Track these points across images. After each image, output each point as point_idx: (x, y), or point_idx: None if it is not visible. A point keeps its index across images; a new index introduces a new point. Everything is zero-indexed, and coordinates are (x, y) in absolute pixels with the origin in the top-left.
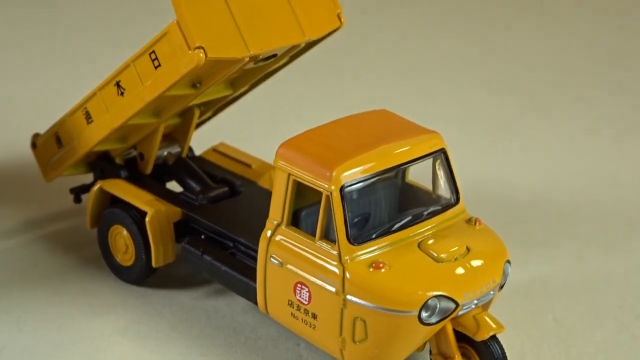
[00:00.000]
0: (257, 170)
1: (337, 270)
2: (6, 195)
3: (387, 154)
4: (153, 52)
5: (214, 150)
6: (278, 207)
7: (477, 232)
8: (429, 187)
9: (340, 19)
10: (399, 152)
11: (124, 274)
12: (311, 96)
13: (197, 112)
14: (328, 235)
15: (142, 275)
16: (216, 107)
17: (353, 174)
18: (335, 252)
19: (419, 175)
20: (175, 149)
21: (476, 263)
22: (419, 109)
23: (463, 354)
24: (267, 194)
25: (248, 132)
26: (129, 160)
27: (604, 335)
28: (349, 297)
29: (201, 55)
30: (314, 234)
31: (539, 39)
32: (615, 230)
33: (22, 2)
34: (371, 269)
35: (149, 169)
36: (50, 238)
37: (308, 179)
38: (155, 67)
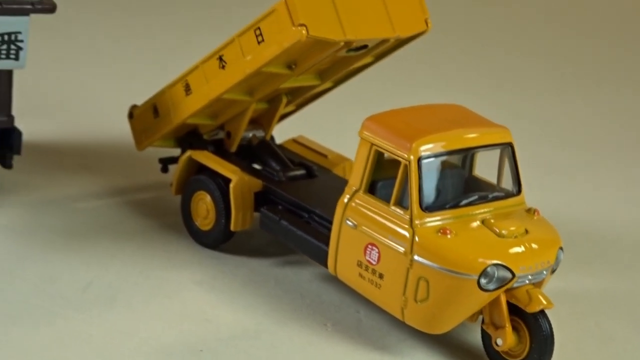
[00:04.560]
0: (333, 160)
1: (407, 233)
2: (98, 166)
3: (460, 136)
4: (258, 28)
5: (294, 140)
6: (358, 175)
7: (535, 220)
8: (492, 181)
9: (427, 24)
10: (471, 137)
11: (201, 238)
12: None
13: (284, 100)
14: (402, 202)
15: (218, 239)
16: (302, 98)
17: (430, 148)
18: (407, 217)
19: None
20: (260, 133)
21: (533, 243)
22: None
23: (513, 327)
24: (341, 180)
25: (325, 128)
26: (215, 141)
27: None
28: (416, 257)
29: (303, 32)
30: (388, 202)
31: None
32: None
33: None
34: (439, 234)
35: (234, 147)
36: (134, 204)
37: (390, 149)
38: (259, 42)
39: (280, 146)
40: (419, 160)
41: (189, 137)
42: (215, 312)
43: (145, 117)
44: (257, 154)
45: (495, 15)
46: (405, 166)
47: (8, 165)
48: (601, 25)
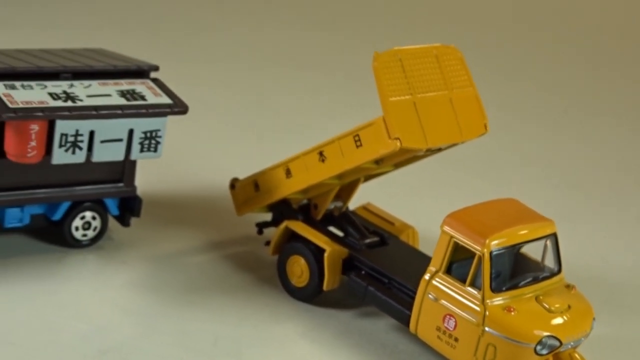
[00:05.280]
0: (399, 227)
1: (479, 309)
2: (195, 220)
3: (519, 232)
4: (357, 135)
5: (364, 208)
6: (438, 259)
7: (573, 295)
8: (534, 257)
9: (486, 127)
10: (527, 232)
11: (295, 293)
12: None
13: (362, 179)
14: (475, 283)
15: (311, 295)
16: (375, 177)
17: (498, 243)
18: (479, 296)
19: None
20: (339, 204)
21: (575, 316)
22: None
23: None
24: (408, 247)
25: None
26: (302, 207)
27: None
28: (487, 328)
29: (398, 144)
30: (462, 280)
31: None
32: None
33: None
34: (505, 311)
35: (319, 216)
36: (233, 258)
37: (467, 243)
38: (357, 147)
39: (355, 213)
40: (491, 253)
41: (279, 205)
42: None
43: (247, 190)
44: (340, 223)
45: (496, 52)
46: (480, 257)
47: (126, 224)
48: (608, 65)
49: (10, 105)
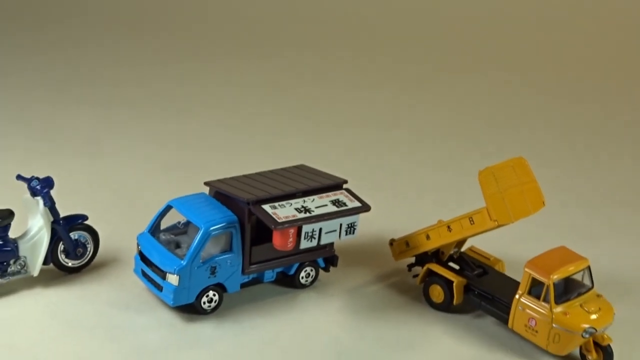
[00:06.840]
0: (493, 261)
1: (549, 314)
2: (367, 262)
3: (570, 268)
4: (472, 218)
5: (470, 249)
6: (523, 286)
7: (601, 300)
8: (576, 277)
9: (544, 203)
10: (575, 267)
11: (435, 306)
12: None
13: None
14: (545, 299)
15: (445, 307)
16: None
17: (557, 277)
18: (548, 307)
19: None
20: (456, 249)
21: (604, 314)
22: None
23: (595, 351)
24: (501, 274)
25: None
26: (433, 253)
27: None
28: (554, 325)
29: (496, 223)
30: (537, 298)
31: None
32: None
33: None
34: (563, 314)
35: (445, 258)
36: (395, 285)
37: (539, 277)
38: (471, 224)
39: (465, 254)
40: (553, 283)
41: (420, 253)
42: None
43: (400, 246)
44: (457, 261)
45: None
46: (547, 286)
47: (327, 271)
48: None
49: (279, 220)
